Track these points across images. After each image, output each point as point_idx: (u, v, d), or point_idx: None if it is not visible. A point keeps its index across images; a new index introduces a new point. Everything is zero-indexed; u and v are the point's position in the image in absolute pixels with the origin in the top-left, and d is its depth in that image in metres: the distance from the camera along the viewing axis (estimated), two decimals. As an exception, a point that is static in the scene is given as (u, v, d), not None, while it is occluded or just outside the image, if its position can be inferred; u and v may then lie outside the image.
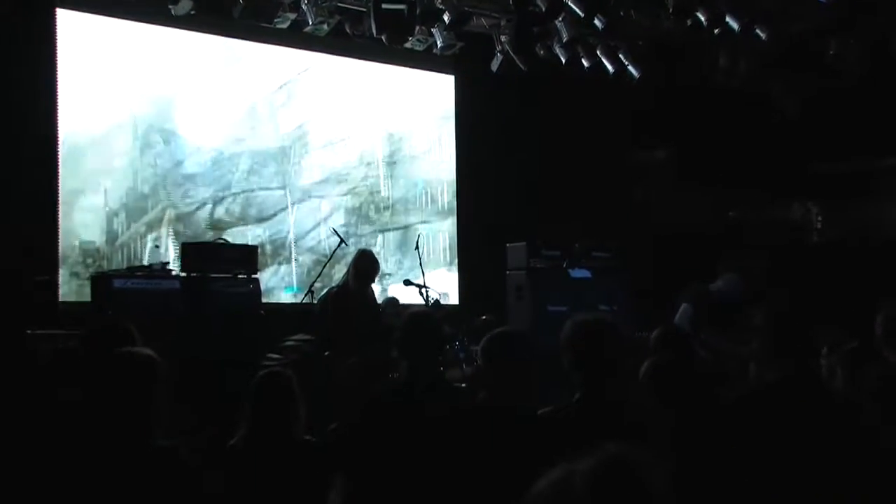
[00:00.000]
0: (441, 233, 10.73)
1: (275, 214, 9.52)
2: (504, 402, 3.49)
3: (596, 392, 3.36)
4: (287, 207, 9.61)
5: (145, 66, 8.76)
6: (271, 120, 9.62)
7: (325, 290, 7.71)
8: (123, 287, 6.67)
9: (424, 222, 10.57)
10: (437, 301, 8.11)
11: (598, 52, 9.70)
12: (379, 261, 7.65)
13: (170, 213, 8.84)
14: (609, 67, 9.71)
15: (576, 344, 3.41)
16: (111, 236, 8.49)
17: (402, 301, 8.44)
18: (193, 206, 9.00)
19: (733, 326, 6.42)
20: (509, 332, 3.71)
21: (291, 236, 9.60)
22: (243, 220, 9.28)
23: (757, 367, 3.64)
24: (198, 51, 9.15)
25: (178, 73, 8.97)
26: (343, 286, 7.38)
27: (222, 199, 9.18)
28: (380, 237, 10.27)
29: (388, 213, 10.40)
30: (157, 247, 8.60)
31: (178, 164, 8.94)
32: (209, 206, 9.11)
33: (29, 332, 6.47)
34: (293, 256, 9.58)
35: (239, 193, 9.30)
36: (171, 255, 8.34)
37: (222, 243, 7.66)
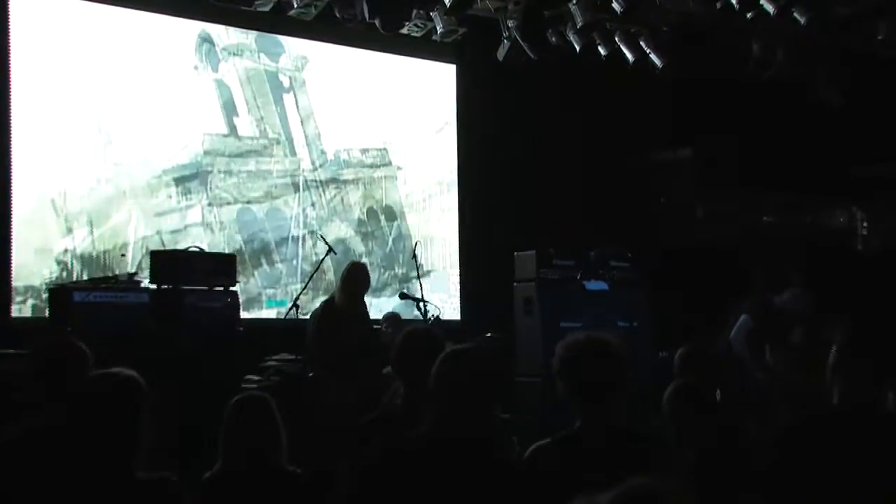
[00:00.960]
0: (441, 239, 10.72)
1: (255, 219, 9.53)
2: (449, 434, 3.37)
3: (598, 421, 3.33)
4: (269, 211, 9.61)
5: (110, 54, 8.72)
6: (251, 114, 9.63)
7: (317, 305, 7.72)
8: (85, 300, 6.65)
9: (422, 228, 10.57)
10: (437, 316, 8.12)
11: (616, 39, 9.71)
12: (370, 272, 7.67)
13: (137, 218, 8.83)
14: (629, 56, 9.72)
15: (567, 367, 3.38)
16: (71, 243, 8.49)
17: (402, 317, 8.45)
18: (164, 210, 9.00)
19: (796, 345, 6.42)
20: (464, 351, 3.59)
21: (276, 243, 9.60)
22: (221, 224, 9.28)
23: (828, 393, 3.57)
24: (169, 36, 9.14)
25: (147, 61, 8.92)
26: (329, 301, 7.39)
27: (197, 202, 9.17)
28: (372, 244, 10.27)
29: (382, 218, 10.41)
30: (122, 255, 8.60)
31: (147, 161, 8.92)
32: (182, 210, 9.10)
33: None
34: (276, 266, 9.58)
35: (216, 195, 9.30)
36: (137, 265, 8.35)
37: (196, 251, 7.65)
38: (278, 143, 9.75)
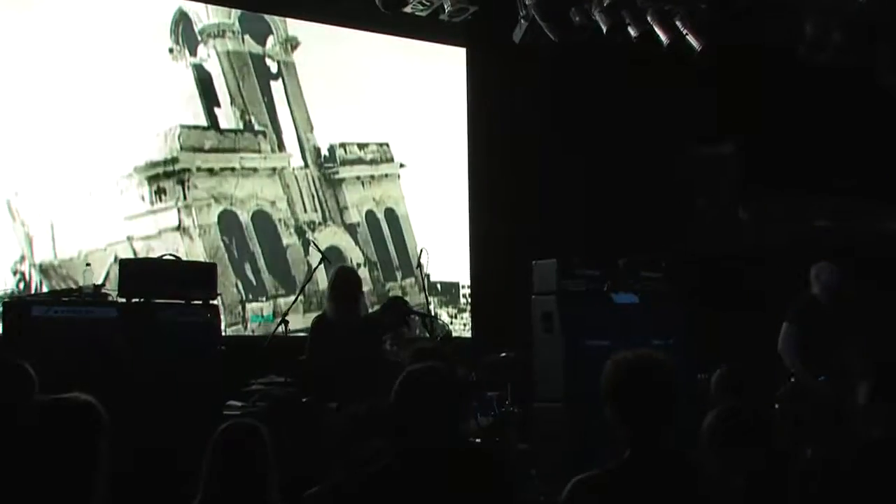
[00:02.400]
0: (449, 246, 10.73)
1: (238, 223, 9.54)
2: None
3: (652, 448, 3.37)
4: (255, 214, 9.62)
5: (73, 35, 8.75)
6: (234, 104, 9.64)
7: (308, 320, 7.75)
8: (45, 315, 6.65)
9: (428, 233, 10.57)
10: (446, 333, 8.14)
11: (648, 19, 9.72)
12: (370, 283, 7.69)
13: (104, 222, 8.83)
14: (662, 38, 9.73)
15: (620, 389, 3.42)
16: (29, 251, 8.51)
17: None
18: (135, 213, 9.01)
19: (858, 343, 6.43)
20: (429, 369, 3.69)
21: (263, 251, 9.62)
22: (200, 229, 9.30)
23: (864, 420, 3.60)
24: (141, 15, 9.14)
25: (116, 44, 8.95)
26: (319, 317, 7.40)
27: (172, 203, 9.18)
28: (371, 251, 10.28)
29: (383, 222, 10.42)
30: (88, 265, 8.61)
31: (115, 158, 8.93)
32: (155, 213, 9.13)
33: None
34: (262, 276, 9.59)
35: (194, 196, 9.30)
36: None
37: (172, 260, 7.68)
38: (265, 136, 9.78)
